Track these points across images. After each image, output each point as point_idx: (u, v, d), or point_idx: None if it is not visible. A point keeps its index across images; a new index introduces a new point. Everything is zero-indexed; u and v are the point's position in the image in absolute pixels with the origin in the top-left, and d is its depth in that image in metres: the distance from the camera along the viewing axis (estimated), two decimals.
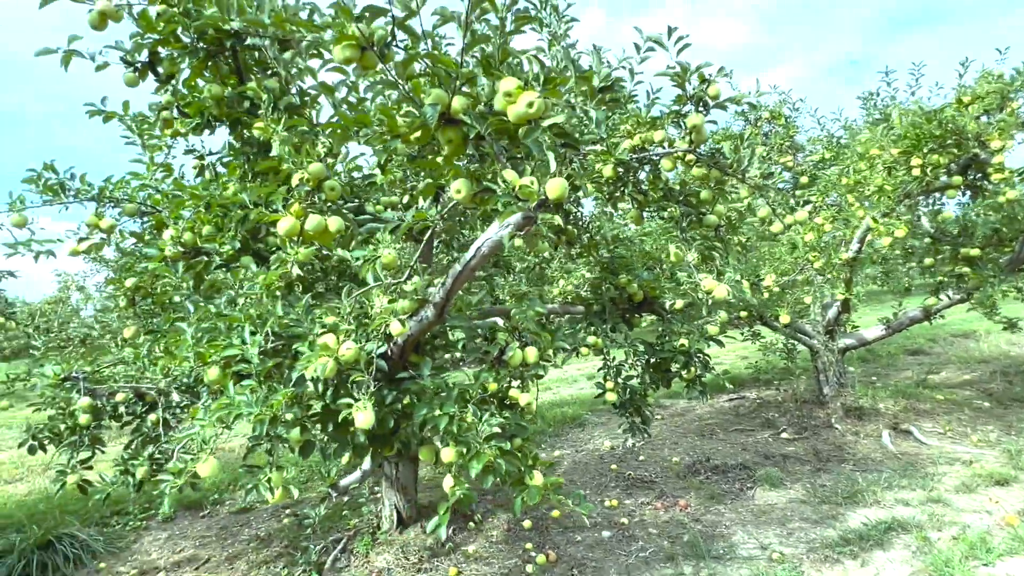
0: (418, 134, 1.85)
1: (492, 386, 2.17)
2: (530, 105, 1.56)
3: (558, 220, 1.73)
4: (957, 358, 8.07)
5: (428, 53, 1.63)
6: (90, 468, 3.33)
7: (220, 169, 3.08)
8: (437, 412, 2.11)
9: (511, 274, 4.43)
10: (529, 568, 3.37)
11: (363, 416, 1.90)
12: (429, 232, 2.00)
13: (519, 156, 1.84)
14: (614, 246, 3.60)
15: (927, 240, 4.61)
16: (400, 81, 1.69)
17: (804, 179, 5.54)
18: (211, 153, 2.87)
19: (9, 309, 4.91)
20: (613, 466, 5.04)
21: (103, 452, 3.47)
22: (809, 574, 3.08)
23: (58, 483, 3.21)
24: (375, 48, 1.67)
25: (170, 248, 2.70)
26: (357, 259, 1.99)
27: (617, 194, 3.10)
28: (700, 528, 3.74)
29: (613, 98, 1.96)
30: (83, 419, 3.23)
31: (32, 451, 3.33)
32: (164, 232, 2.73)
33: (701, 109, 2.57)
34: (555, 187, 1.69)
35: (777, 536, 3.56)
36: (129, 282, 3.18)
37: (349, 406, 1.96)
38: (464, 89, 1.77)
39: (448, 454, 2.14)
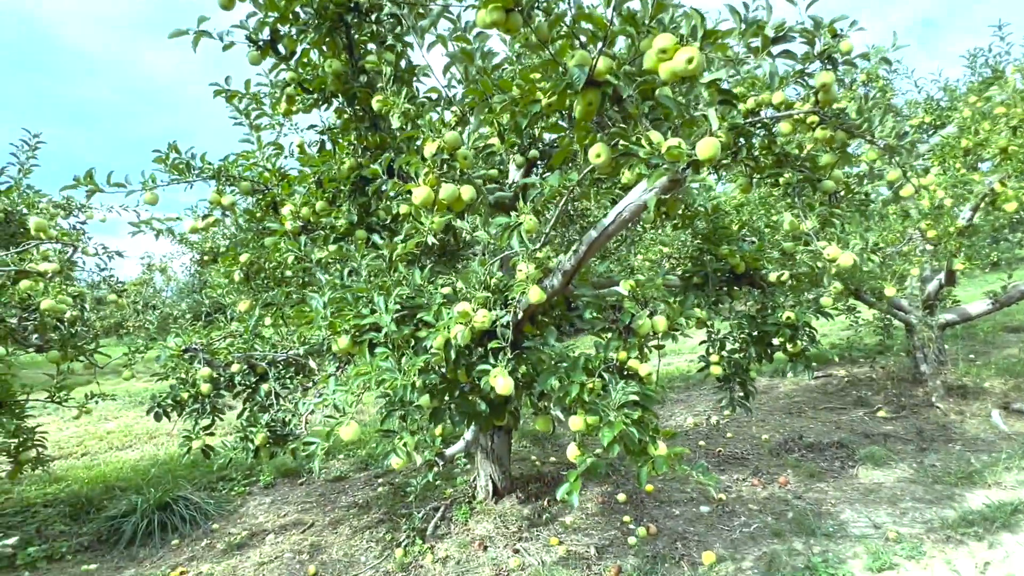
0: (554, 98, 1.82)
1: (622, 355, 2.15)
2: (689, 61, 1.50)
3: (711, 181, 1.67)
4: None
5: (579, 12, 1.59)
6: (212, 435, 3.52)
7: (328, 146, 3.15)
8: (566, 381, 2.11)
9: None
10: (631, 540, 3.37)
11: (503, 381, 1.92)
12: (564, 199, 1.99)
13: (660, 117, 1.79)
14: (715, 216, 3.49)
15: None
16: (546, 43, 1.67)
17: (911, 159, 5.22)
18: (330, 128, 2.94)
19: (120, 287, 5.21)
20: (701, 442, 4.97)
21: (221, 420, 3.67)
22: (932, 554, 2.96)
23: (184, 448, 3.41)
24: (521, 10, 1.65)
25: (290, 223, 2.78)
26: (498, 226, 2.00)
27: (725, 161, 3.00)
28: (804, 505, 3.65)
29: (787, 50, 1.87)
30: (204, 388, 3.41)
31: (158, 418, 3.55)
32: (283, 208, 2.81)
33: (829, 67, 2.44)
34: (707, 147, 1.64)
35: (889, 515, 3.43)
36: (243, 257, 3.32)
37: (486, 372, 1.98)
38: (604, 50, 1.73)
39: (577, 423, 2.13)
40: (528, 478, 4.38)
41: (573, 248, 2.05)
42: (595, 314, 2.23)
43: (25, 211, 3.99)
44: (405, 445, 2.13)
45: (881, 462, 4.18)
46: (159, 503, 4.41)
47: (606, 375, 2.07)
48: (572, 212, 3.27)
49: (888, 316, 5.69)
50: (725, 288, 3.66)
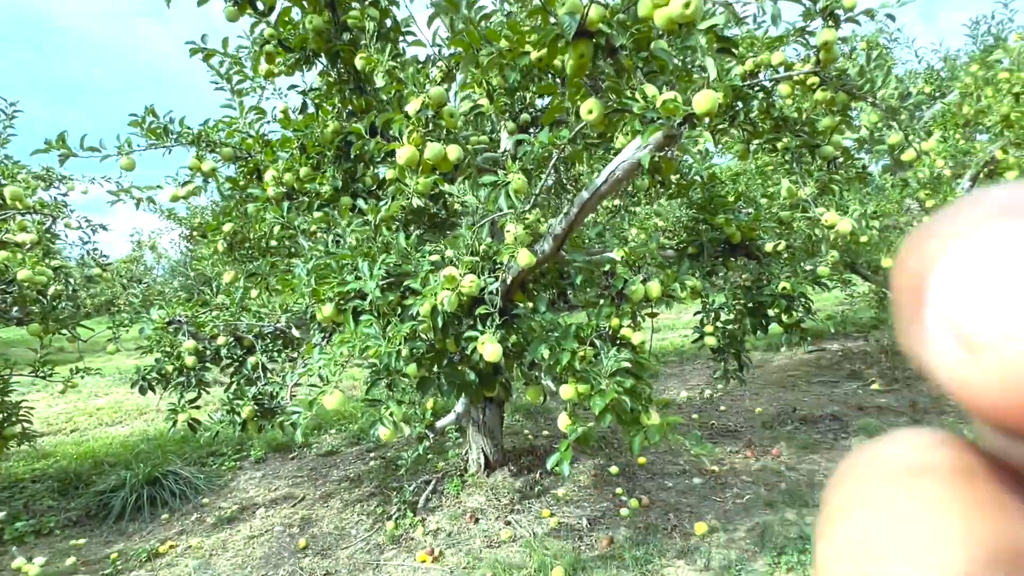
0: (544, 51, 1.73)
1: (614, 322, 2.09)
2: (686, 6, 1.41)
3: (708, 137, 1.60)
4: None
5: None
6: (198, 408, 3.46)
7: (311, 109, 3.04)
8: (557, 349, 2.05)
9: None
10: (623, 511, 3.36)
11: (491, 348, 1.86)
12: (554, 159, 1.90)
13: (655, 70, 1.70)
14: (710, 185, 3.41)
15: None
16: None
17: (913, 121, 5.14)
18: (312, 89, 2.83)
19: (104, 260, 5.10)
20: (695, 415, 4.96)
21: (208, 393, 3.60)
22: None
23: (170, 421, 3.35)
24: None
25: (272, 189, 2.69)
26: (486, 185, 1.91)
27: (722, 126, 2.91)
28: (797, 476, 3.64)
29: None
30: (189, 360, 3.34)
31: (143, 391, 3.48)
32: (266, 174, 2.72)
33: (831, 24, 2.34)
34: (705, 100, 1.55)
35: None
36: (227, 227, 3.22)
37: (474, 338, 1.92)
38: None
39: (567, 391, 2.08)
40: (521, 451, 4.35)
41: (564, 211, 1.98)
42: (586, 280, 2.16)
43: (3, 181, 3.88)
44: (391, 415, 2.07)
45: (875, 434, 4.15)
46: (148, 478, 4.37)
47: (598, 343, 2.01)
48: (564, 180, 3.18)
49: (884, 289, 5.66)
50: (720, 258, 3.60)
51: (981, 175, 4.27)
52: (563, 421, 2.22)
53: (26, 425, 4.01)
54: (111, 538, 3.74)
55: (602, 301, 2.16)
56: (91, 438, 5.80)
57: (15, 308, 3.64)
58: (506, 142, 3.39)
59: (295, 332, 2.99)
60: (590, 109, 1.73)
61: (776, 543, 2.87)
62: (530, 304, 2.37)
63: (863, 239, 3.92)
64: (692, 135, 1.61)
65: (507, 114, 3.22)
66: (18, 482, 4.53)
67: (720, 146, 4.75)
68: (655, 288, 2.13)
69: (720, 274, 3.41)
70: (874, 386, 5.25)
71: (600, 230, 2.41)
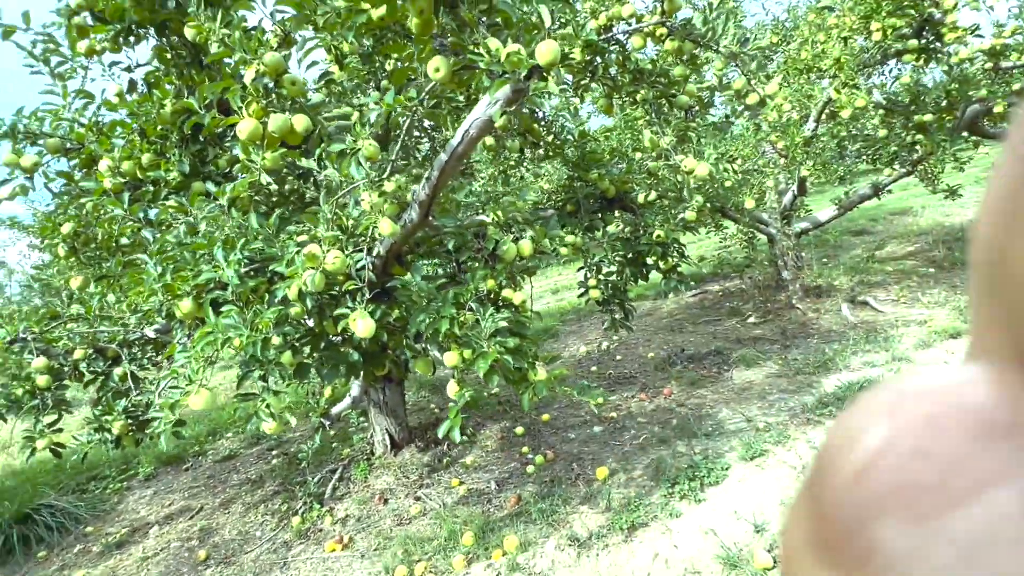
0: (383, 9, 1.66)
1: (490, 283, 2.09)
2: None
3: (553, 87, 1.60)
4: (898, 233, 8.46)
5: None
6: (60, 431, 3.13)
7: (143, 89, 2.76)
8: (435, 317, 2.02)
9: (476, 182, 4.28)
10: (529, 469, 3.44)
11: (363, 324, 1.80)
12: (407, 122, 1.84)
13: (498, 23, 1.67)
14: (583, 142, 3.49)
15: (880, 112, 4.68)
16: None
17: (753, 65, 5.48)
18: (139, 65, 2.55)
19: None
20: (593, 368, 5.15)
21: (71, 414, 3.27)
22: (795, 436, 3.25)
23: (27, 449, 3.01)
24: None
25: (109, 180, 2.43)
26: (337, 151, 1.81)
27: (584, 82, 2.96)
28: (686, 411, 3.88)
29: None
30: (41, 380, 3.01)
31: None
32: (100, 163, 2.45)
33: None
34: (547, 51, 1.55)
35: (760, 409, 3.73)
36: (66, 228, 2.89)
37: (345, 316, 1.85)
38: None
39: (451, 358, 2.07)
40: (427, 426, 4.33)
41: (425, 176, 1.93)
42: (459, 244, 2.14)
43: None
44: (269, 407, 1.97)
45: (752, 363, 4.53)
46: (17, 516, 3.94)
47: (475, 306, 2.01)
48: (438, 148, 3.11)
49: (752, 230, 6.10)
50: (598, 213, 3.70)
51: (823, 116, 4.65)
52: (452, 388, 2.21)
53: None
54: None
55: (476, 264, 2.15)
56: None
57: None
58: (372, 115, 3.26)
59: (149, 333, 2.76)
60: (436, 67, 1.68)
61: (670, 475, 3.06)
62: (408, 275, 2.32)
63: (727, 184, 4.18)
64: (540, 87, 1.61)
65: (371, 83, 3.10)
66: None
67: (594, 105, 4.85)
68: (527, 246, 2.14)
69: (600, 229, 3.51)
70: (750, 319, 5.68)
71: (469, 190, 2.37)
